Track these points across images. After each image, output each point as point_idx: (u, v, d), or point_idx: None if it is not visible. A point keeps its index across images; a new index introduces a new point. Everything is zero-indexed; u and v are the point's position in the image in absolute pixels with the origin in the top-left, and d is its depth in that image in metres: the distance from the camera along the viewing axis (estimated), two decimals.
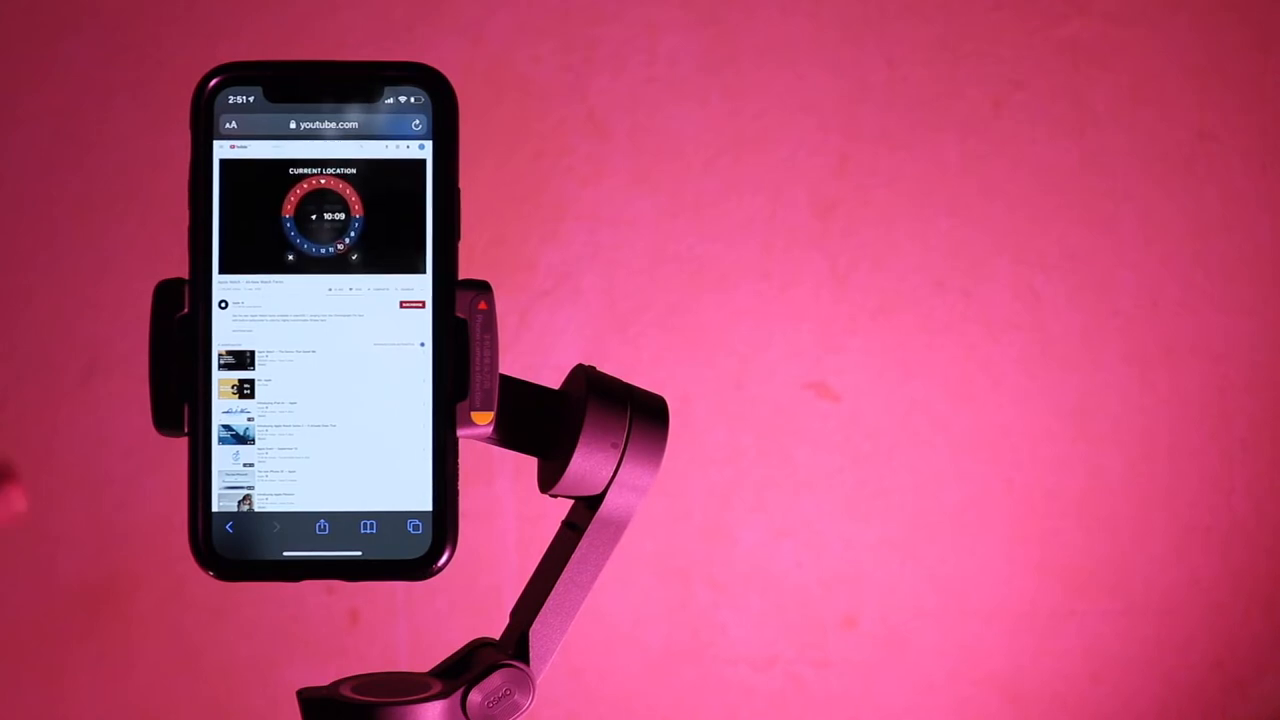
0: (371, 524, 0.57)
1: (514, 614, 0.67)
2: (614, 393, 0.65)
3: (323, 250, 0.57)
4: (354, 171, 0.58)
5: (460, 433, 0.57)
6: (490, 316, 0.58)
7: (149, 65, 1.27)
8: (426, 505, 0.57)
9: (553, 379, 0.67)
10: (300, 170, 0.57)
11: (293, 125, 0.57)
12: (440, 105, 0.57)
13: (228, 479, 0.56)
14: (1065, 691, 1.33)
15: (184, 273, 0.57)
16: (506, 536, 1.27)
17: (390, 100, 0.57)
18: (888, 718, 1.32)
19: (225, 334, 0.57)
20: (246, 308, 0.57)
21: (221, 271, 0.57)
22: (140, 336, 0.56)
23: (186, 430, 0.56)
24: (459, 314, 0.57)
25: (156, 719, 1.27)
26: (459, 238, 0.58)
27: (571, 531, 0.66)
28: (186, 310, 0.56)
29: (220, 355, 0.56)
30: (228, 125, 0.57)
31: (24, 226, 1.27)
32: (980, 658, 1.32)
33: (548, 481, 0.65)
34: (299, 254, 0.57)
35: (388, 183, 0.58)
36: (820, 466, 1.31)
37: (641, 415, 0.65)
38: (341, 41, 1.28)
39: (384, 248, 0.57)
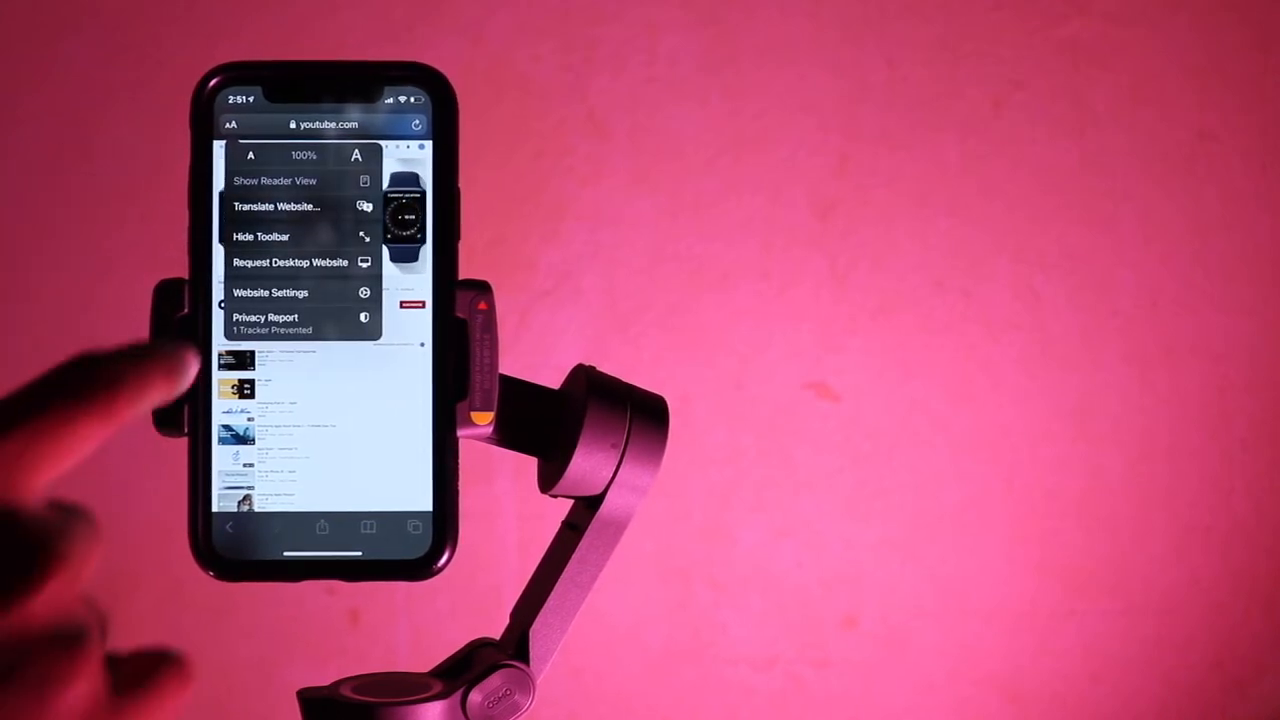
0: (371, 524, 0.57)
1: (514, 614, 0.67)
2: (614, 393, 0.65)
3: None
4: None
5: (460, 433, 0.57)
6: (490, 316, 0.58)
7: (149, 65, 1.27)
8: (426, 505, 0.57)
9: (553, 379, 0.67)
10: None
11: (293, 125, 0.57)
12: (440, 105, 0.57)
13: (228, 479, 0.56)
14: (1065, 691, 1.33)
15: (184, 273, 0.57)
16: (506, 536, 1.27)
17: (390, 100, 0.58)
18: (888, 718, 1.32)
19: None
20: None
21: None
22: (140, 336, 0.56)
23: (186, 430, 0.56)
24: (459, 314, 0.57)
25: None
26: (459, 238, 0.58)
27: (571, 532, 0.66)
28: (186, 310, 0.56)
29: (220, 355, 0.57)
30: (228, 125, 0.57)
31: (24, 226, 1.27)
32: (980, 658, 1.32)
33: (548, 481, 0.65)
34: None
35: None
36: (820, 466, 1.31)
37: (641, 415, 0.65)
38: (341, 41, 1.28)
39: None
